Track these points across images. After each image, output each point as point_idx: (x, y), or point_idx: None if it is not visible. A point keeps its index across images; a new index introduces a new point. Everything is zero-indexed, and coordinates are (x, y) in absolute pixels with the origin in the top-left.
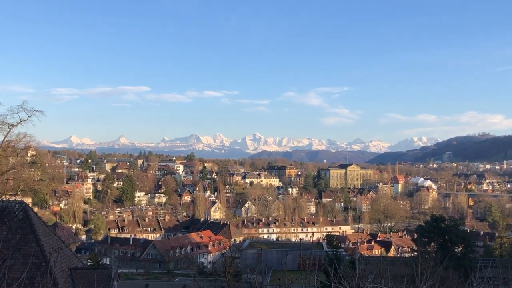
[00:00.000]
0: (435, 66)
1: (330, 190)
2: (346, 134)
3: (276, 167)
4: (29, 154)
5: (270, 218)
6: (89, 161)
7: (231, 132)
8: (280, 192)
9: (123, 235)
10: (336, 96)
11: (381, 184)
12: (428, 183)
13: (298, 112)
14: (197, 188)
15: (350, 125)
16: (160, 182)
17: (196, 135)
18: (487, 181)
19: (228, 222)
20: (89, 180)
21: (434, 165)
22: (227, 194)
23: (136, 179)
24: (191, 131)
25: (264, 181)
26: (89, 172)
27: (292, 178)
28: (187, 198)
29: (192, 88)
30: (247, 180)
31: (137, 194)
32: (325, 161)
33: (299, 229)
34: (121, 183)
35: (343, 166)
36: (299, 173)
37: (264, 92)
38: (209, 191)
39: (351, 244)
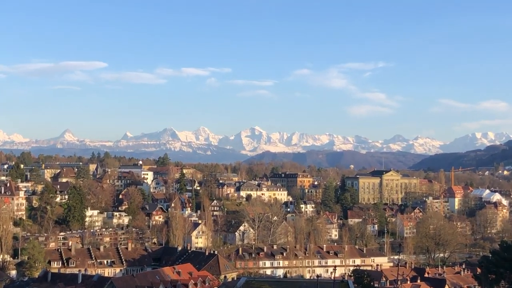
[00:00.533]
0: (509, 32)
1: (359, 206)
2: (382, 129)
3: (283, 175)
4: None
5: (275, 247)
6: (21, 166)
7: (221, 126)
8: (289, 210)
9: (68, 270)
10: (367, 75)
11: (430, 198)
12: (497, 197)
13: (315, 98)
14: (173, 205)
15: (387, 116)
16: (120, 196)
17: (172, 130)
18: None
19: (216, 252)
20: (21, 193)
21: (505, 172)
22: (215, 213)
23: (88, 191)
24: (164, 125)
25: (266, 194)
26: (21, 181)
27: (306, 190)
28: (158, 218)
29: (165, 64)
30: (243, 193)
31: (89, 212)
32: (352, 166)
33: (316, 262)
34: (66, 197)
35: (377, 173)
36: (316, 183)
37: (267, 70)
38: (189, 209)
39: (388, 283)
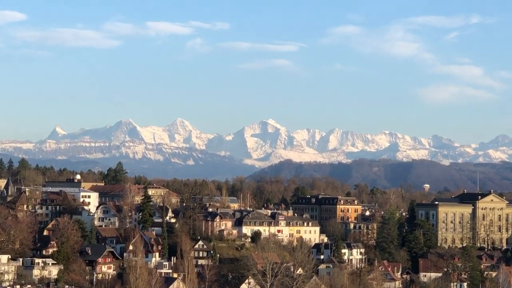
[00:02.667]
0: None
1: (437, 252)
2: (476, 126)
3: (314, 200)
4: None
5: None
6: None
7: (211, 118)
8: (323, 257)
9: None
10: (453, 37)
11: None
12: None
13: (366, 74)
14: (131, 247)
15: (484, 104)
16: (46, 232)
17: (130, 124)
18: None
19: None
20: None
21: None
22: (201, 261)
23: None
24: (117, 116)
25: (285, 231)
26: None
27: (352, 226)
28: (107, 269)
29: (119, 16)
30: (247, 230)
31: None
32: (426, 186)
33: None
34: None
35: (469, 198)
36: (368, 213)
37: (289, 27)
38: (158, 254)
39: None
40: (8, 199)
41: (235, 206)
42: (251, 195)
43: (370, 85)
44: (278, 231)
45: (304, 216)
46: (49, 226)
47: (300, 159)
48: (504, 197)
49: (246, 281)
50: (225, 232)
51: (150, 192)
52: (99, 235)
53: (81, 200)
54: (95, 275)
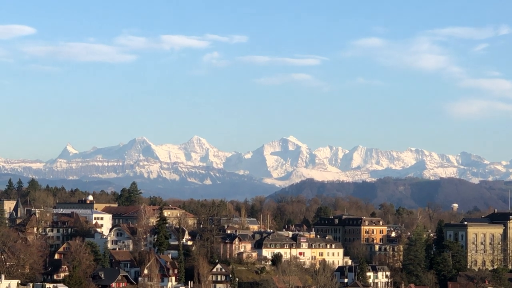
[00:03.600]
0: None
1: (467, 275)
2: (506, 141)
3: (337, 221)
4: None
5: None
6: None
7: (229, 136)
8: (347, 281)
9: None
10: (481, 49)
11: None
12: None
13: (391, 88)
14: (146, 271)
15: None
16: (57, 256)
17: (144, 142)
18: None
19: None
20: None
21: None
22: (219, 286)
23: (1, 247)
24: (131, 133)
25: (307, 253)
26: None
27: (377, 248)
28: None
29: (132, 30)
30: (267, 252)
31: (3, 284)
32: (455, 205)
33: None
34: None
35: (500, 218)
36: (394, 234)
37: (311, 40)
38: (174, 278)
39: None
40: (18, 221)
41: (254, 227)
42: (271, 216)
43: (395, 100)
44: (300, 253)
45: (327, 237)
46: (61, 249)
47: (322, 178)
48: None
49: None
50: (244, 255)
51: (166, 213)
52: (113, 259)
53: (94, 222)
54: None
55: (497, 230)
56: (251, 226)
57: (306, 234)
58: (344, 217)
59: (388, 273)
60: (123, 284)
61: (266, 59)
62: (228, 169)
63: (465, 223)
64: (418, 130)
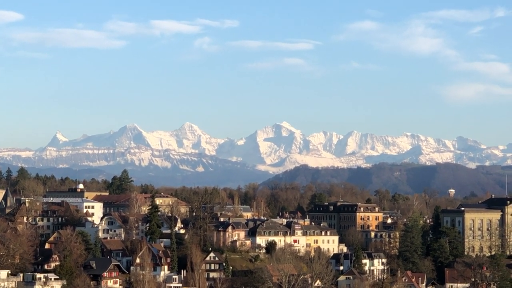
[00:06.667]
0: None
1: (464, 262)
2: (503, 126)
3: (332, 207)
4: None
5: None
6: None
7: (221, 122)
8: (342, 268)
9: None
10: (477, 31)
11: None
12: None
13: (385, 72)
14: (139, 260)
15: (511, 103)
16: (47, 246)
17: (135, 129)
18: None
19: None
20: None
21: None
22: (213, 274)
23: None
24: (122, 120)
25: (302, 241)
26: None
27: (372, 234)
28: (113, 284)
29: (122, 15)
30: (261, 240)
31: None
32: (452, 191)
33: None
34: None
35: (497, 204)
36: (390, 220)
37: (303, 24)
38: (167, 267)
39: None
40: (7, 211)
41: (248, 215)
42: (265, 203)
43: (389, 84)
44: (294, 241)
45: (321, 224)
46: (51, 239)
47: (316, 164)
48: None
49: None
50: (237, 243)
51: (158, 201)
52: (104, 248)
53: (85, 211)
54: None
55: (495, 216)
56: (244, 214)
57: (301, 222)
58: (339, 203)
59: (384, 260)
60: (115, 273)
61: (258, 44)
62: (220, 156)
63: (462, 208)
64: (414, 115)
